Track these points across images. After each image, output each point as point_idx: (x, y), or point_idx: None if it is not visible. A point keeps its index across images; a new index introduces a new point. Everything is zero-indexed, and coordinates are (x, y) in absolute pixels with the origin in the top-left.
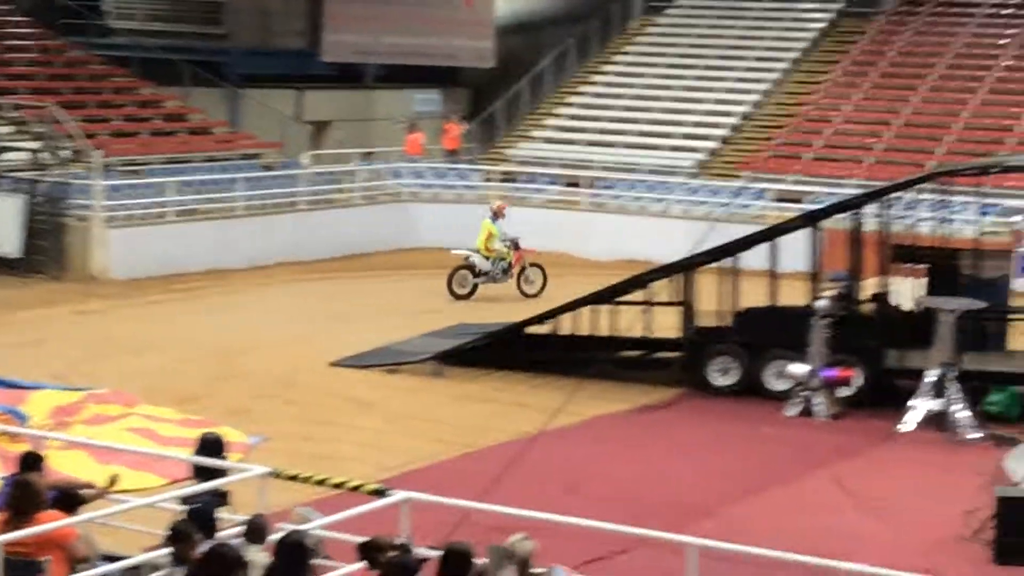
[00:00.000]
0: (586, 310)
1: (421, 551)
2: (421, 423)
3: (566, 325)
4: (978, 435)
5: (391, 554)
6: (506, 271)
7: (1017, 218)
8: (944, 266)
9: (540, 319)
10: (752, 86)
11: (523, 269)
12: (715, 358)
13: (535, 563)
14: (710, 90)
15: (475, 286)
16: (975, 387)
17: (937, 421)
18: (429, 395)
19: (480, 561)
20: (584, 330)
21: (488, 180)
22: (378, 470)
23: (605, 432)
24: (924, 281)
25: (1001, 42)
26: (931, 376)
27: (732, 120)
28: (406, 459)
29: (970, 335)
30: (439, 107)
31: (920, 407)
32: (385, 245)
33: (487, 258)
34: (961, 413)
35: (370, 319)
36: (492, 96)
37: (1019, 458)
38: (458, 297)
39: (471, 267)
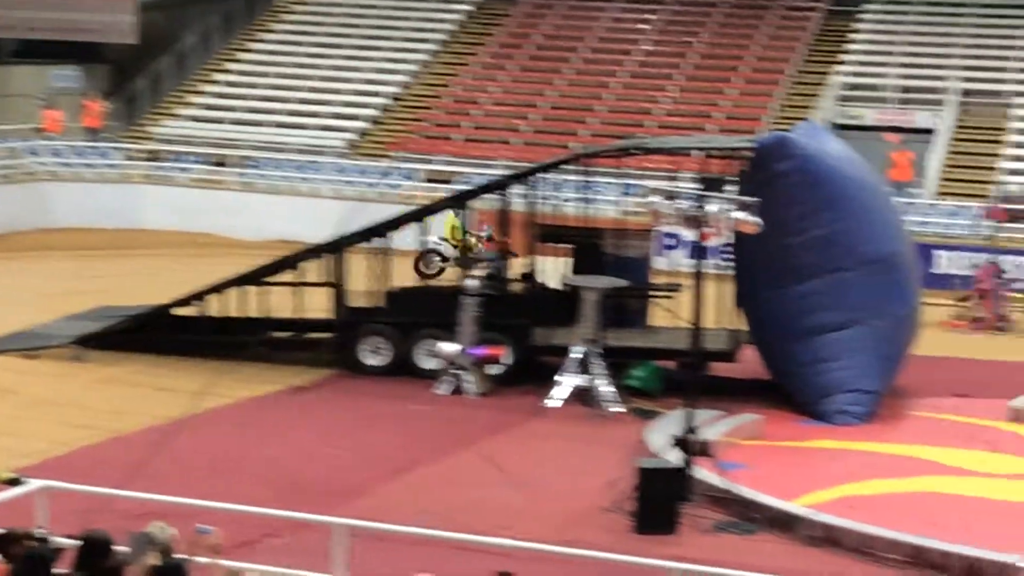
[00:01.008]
0: (234, 291)
1: (59, 541)
2: (63, 409)
3: (215, 307)
4: (621, 409)
5: (27, 545)
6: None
7: (656, 198)
8: (588, 246)
9: (186, 301)
10: (401, 66)
11: None
12: (366, 338)
13: (177, 549)
14: (359, 70)
15: (441, 269)
16: (618, 363)
17: (582, 396)
18: (71, 380)
19: (121, 549)
20: (233, 312)
21: (131, 159)
22: (15, 458)
23: (254, 415)
24: (570, 260)
25: (641, 27)
26: (576, 353)
27: (382, 100)
28: (47, 446)
29: (613, 312)
30: (79, 83)
31: (566, 383)
32: (22, 225)
33: (455, 247)
34: (605, 388)
35: (6, 302)
36: (135, 73)
37: (659, 430)
38: (424, 277)
39: (439, 252)
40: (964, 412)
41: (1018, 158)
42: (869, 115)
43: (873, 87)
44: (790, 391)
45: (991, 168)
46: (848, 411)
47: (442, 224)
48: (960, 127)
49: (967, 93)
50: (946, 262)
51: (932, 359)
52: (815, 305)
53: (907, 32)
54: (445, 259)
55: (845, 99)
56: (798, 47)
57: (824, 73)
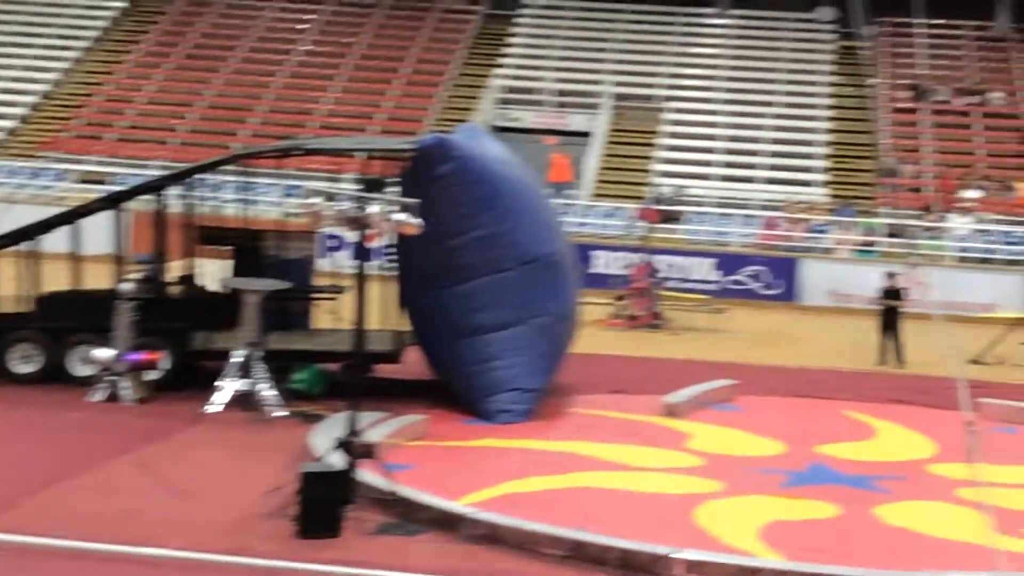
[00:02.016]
0: None
1: None
2: None
3: None
4: (284, 413)
5: None
6: None
7: (317, 199)
8: (249, 247)
9: None
10: (51, 64)
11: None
12: (16, 345)
13: None
14: (8, 67)
15: None
16: (281, 366)
17: (244, 401)
18: None
19: None
20: None
21: None
22: None
23: None
24: (230, 263)
25: (300, 27)
26: (237, 357)
27: (30, 99)
28: None
29: (275, 315)
30: None
31: (227, 388)
32: None
33: None
34: (267, 392)
35: None
36: None
37: (322, 433)
38: None
39: None
40: (622, 408)
41: (670, 160)
42: (528, 118)
43: (531, 90)
44: (454, 391)
45: (644, 170)
46: (510, 409)
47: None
48: (615, 130)
49: (621, 97)
50: (603, 262)
51: (591, 357)
52: (477, 305)
53: (562, 37)
54: None
55: (504, 102)
56: (458, 50)
57: (483, 76)
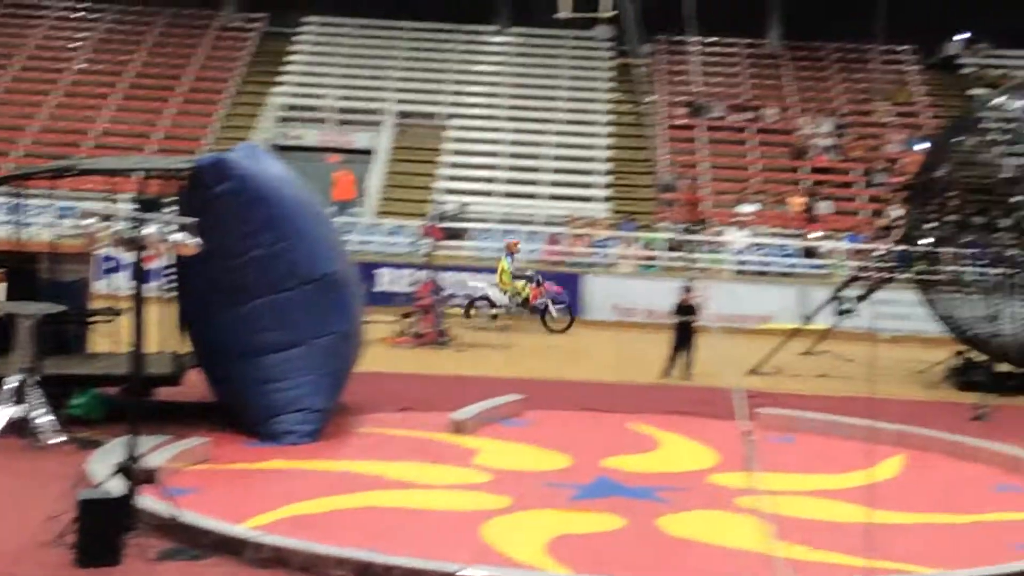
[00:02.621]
0: None
1: None
2: None
3: None
4: (62, 439)
5: None
6: (522, 305)
7: (92, 220)
8: (22, 270)
9: None
10: None
11: (546, 305)
12: None
13: None
14: None
15: (494, 316)
16: (58, 391)
17: (19, 428)
18: None
19: None
20: None
21: None
22: None
23: None
24: (2, 286)
25: (74, 44)
26: (11, 382)
27: None
28: None
29: (51, 339)
30: None
31: (1, 414)
32: None
33: (504, 292)
34: (43, 418)
35: None
36: None
37: (101, 459)
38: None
39: (488, 299)
40: (408, 426)
41: (453, 177)
42: (310, 136)
43: (312, 108)
44: (238, 413)
45: (428, 187)
46: (296, 430)
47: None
48: (398, 147)
49: (403, 114)
50: (388, 279)
51: (377, 375)
52: (259, 326)
53: (344, 54)
54: (493, 306)
55: (285, 120)
56: (237, 67)
57: (263, 94)
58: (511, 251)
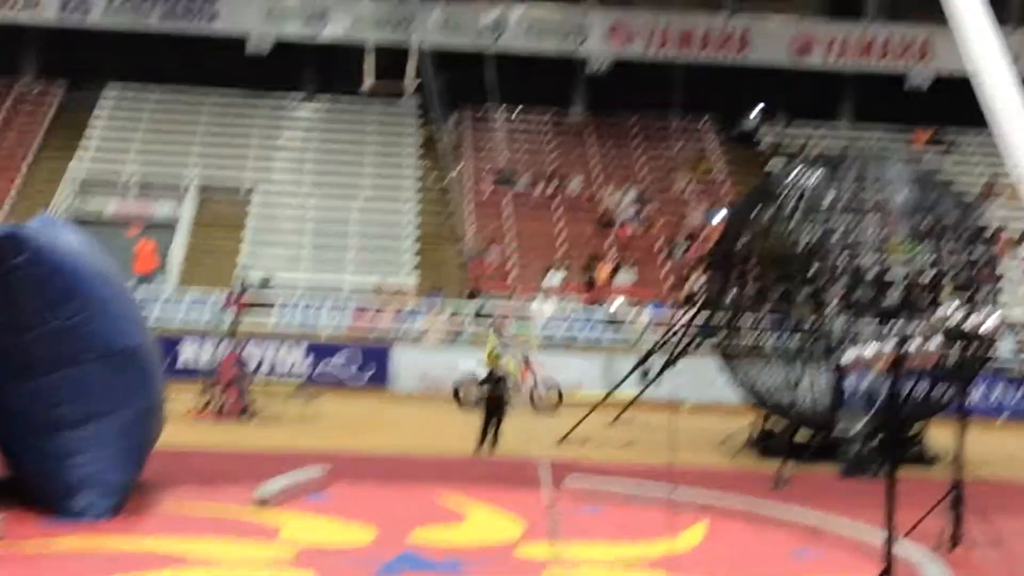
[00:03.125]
0: None
1: None
2: None
3: None
4: None
5: None
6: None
7: None
8: None
9: None
10: None
11: (534, 385)
12: None
13: None
14: None
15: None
16: None
17: None
18: None
19: None
20: None
21: None
22: None
23: None
24: None
25: None
26: None
27: None
28: None
29: None
30: None
31: None
32: None
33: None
34: None
35: None
36: None
37: None
38: (462, 405)
39: (475, 379)
40: (211, 501)
41: (258, 247)
42: (110, 206)
43: (113, 178)
44: (34, 488)
45: (232, 258)
46: (94, 506)
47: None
48: (201, 217)
49: (207, 184)
50: (191, 352)
51: (179, 450)
52: (56, 399)
53: (146, 123)
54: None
55: (85, 190)
56: (35, 136)
57: (62, 164)
58: (499, 331)
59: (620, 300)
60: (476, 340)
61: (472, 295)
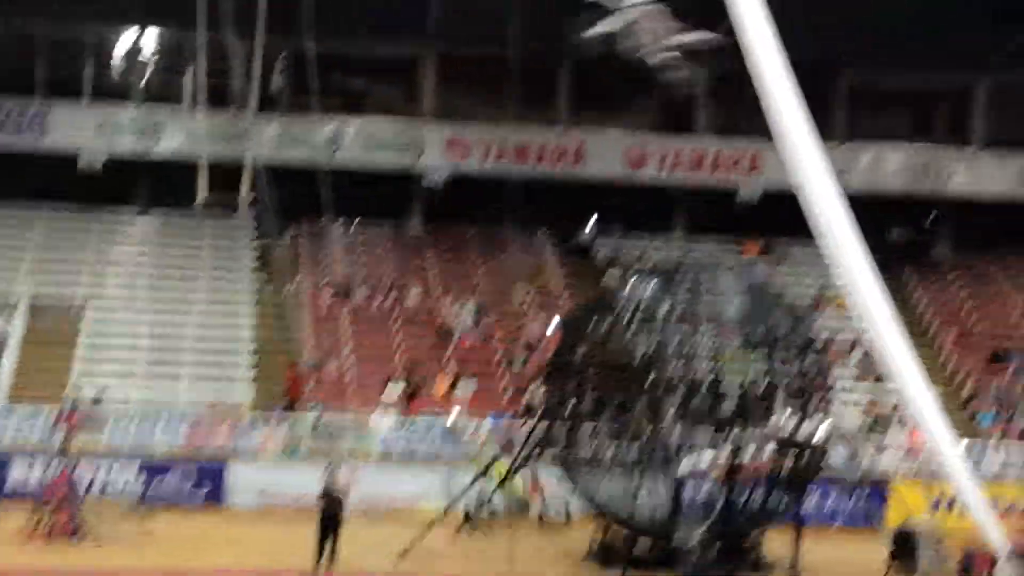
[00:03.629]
0: None
1: None
2: None
3: None
4: None
5: None
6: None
7: None
8: None
9: None
10: None
11: (543, 503)
12: None
13: None
14: None
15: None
16: None
17: None
18: None
19: None
20: None
21: None
22: None
23: None
24: None
25: None
26: None
27: None
28: None
29: None
30: None
31: None
32: None
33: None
34: None
35: None
36: None
37: None
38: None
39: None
40: None
41: (91, 363)
42: None
43: None
44: None
45: (64, 374)
46: None
47: None
48: (32, 333)
49: (38, 299)
50: (21, 470)
51: (9, 574)
52: None
53: None
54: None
55: None
56: None
57: None
58: (508, 451)
59: (456, 412)
60: (314, 454)
61: (289, 407)
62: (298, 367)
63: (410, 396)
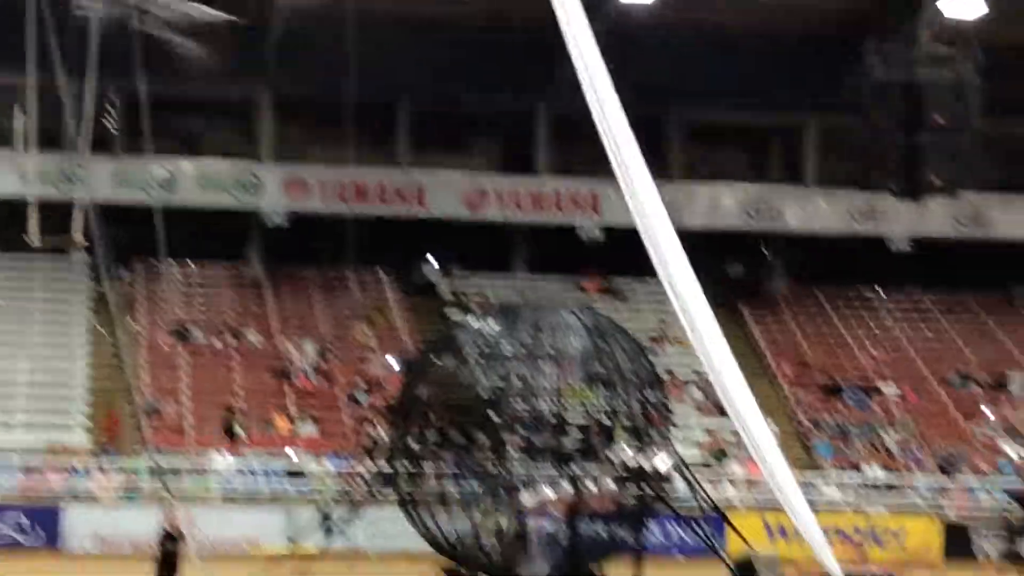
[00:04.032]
0: None
1: None
2: None
3: None
4: None
5: None
6: None
7: None
8: None
9: None
10: None
11: None
12: None
13: None
14: None
15: None
16: None
17: None
18: None
19: None
20: None
21: None
22: None
23: None
24: None
25: None
26: None
27: None
28: None
29: None
30: None
31: None
32: None
33: None
34: None
35: None
36: None
37: None
38: None
39: None
40: None
41: None
42: None
43: None
44: None
45: None
46: None
47: None
48: None
49: None
50: None
51: None
52: None
53: None
54: None
55: None
56: None
57: None
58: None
59: (295, 451)
60: (151, 496)
61: (109, 449)
62: (115, 411)
63: (230, 436)
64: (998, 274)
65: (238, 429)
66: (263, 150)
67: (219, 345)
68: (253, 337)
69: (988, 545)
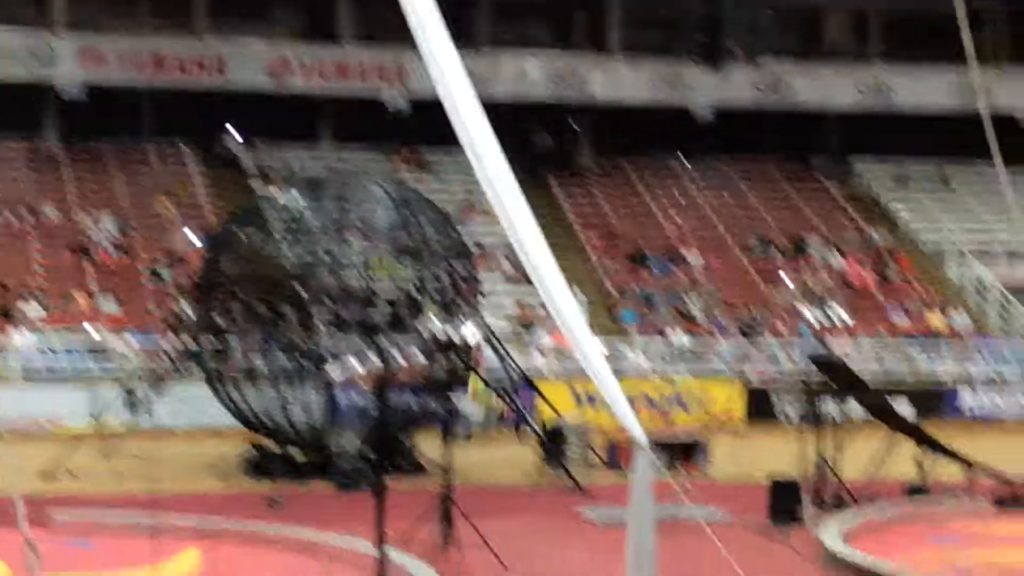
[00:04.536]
0: None
1: None
2: None
3: None
4: None
5: None
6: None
7: None
8: None
9: None
10: None
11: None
12: None
13: None
14: None
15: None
16: None
17: None
18: None
19: None
20: None
21: None
22: None
23: None
24: None
25: None
26: None
27: None
28: None
29: None
30: None
31: None
32: None
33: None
34: None
35: None
36: None
37: None
38: None
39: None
40: None
41: None
42: None
43: None
44: None
45: None
46: None
47: None
48: None
49: None
50: None
51: None
52: None
53: None
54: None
55: None
56: None
57: None
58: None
59: (95, 328)
60: None
61: None
62: None
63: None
64: (797, 141)
65: (17, 309)
66: (56, 19)
67: (15, 222)
68: (51, 213)
69: (789, 408)
